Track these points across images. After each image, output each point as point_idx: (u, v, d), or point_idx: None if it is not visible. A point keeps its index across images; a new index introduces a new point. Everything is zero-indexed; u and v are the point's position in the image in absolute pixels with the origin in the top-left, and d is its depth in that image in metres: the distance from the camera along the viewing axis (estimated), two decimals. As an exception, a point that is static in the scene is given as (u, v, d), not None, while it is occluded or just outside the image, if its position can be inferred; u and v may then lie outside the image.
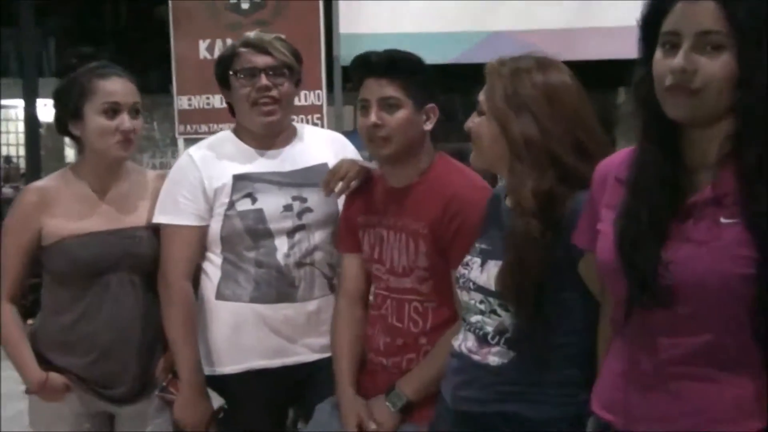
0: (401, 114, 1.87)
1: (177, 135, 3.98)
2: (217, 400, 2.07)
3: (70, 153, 9.09)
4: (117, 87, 2.06)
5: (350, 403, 1.91)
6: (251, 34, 2.11)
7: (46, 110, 6.36)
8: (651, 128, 1.30)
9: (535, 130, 1.53)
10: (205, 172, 2.06)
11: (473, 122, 1.65)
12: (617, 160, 1.41)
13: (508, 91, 1.57)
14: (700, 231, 1.23)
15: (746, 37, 1.18)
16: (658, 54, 1.25)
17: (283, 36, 2.17)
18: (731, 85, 1.20)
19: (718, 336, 1.22)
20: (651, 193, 1.28)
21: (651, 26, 1.28)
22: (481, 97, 1.63)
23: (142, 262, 2.08)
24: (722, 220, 1.22)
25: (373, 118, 1.86)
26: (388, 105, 1.86)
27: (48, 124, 8.01)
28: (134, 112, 2.07)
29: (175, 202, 2.06)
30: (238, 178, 2.06)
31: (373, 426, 1.86)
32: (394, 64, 1.88)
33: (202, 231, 2.07)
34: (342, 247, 2.07)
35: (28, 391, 2.09)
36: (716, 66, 1.20)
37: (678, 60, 1.21)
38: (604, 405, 1.37)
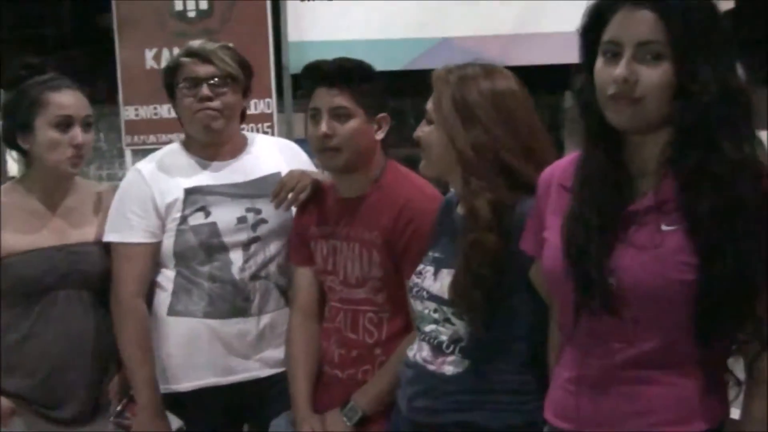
0: (352, 124, 1.86)
1: (124, 146, 3.91)
2: (175, 422, 2.02)
3: (13, 167, 8.85)
4: (70, 100, 2.01)
5: (306, 420, 1.89)
6: (195, 44, 2.08)
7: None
8: (594, 135, 1.32)
9: (484, 137, 1.54)
10: (155, 187, 2.02)
11: (422, 131, 1.64)
12: (561, 167, 1.42)
13: (456, 99, 1.57)
14: (642, 238, 1.25)
15: (683, 47, 1.21)
16: (600, 63, 1.27)
17: (230, 45, 2.14)
18: (670, 94, 1.23)
19: (663, 340, 1.25)
20: (597, 199, 1.30)
21: (591, 34, 1.30)
22: (429, 105, 1.63)
23: (91, 278, 2.03)
24: (663, 227, 1.24)
25: (323, 128, 1.84)
26: (339, 115, 1.85)
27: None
28: (86, 125, 2.03)
29: (125, 220, 2.02)
30: (190, 192, 2.03)
31: None
32: (345, 73, 1.87)
33: (155, 248, 2.03)
34: (294, 260, 2.04)
35: None
36: (656, 75, 1.22)
37: (620, 70, 1.23)
38: (556, 412, 1.38)
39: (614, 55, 1.25)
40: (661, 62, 1.22)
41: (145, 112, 3.80)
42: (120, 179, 2.20)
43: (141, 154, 3.94)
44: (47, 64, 2.10)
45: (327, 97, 1.85)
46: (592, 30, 1.29)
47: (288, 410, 1.96)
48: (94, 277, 2.03)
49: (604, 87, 1.26)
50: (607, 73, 1.25)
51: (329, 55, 1.94)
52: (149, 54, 3.76)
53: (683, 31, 1.21)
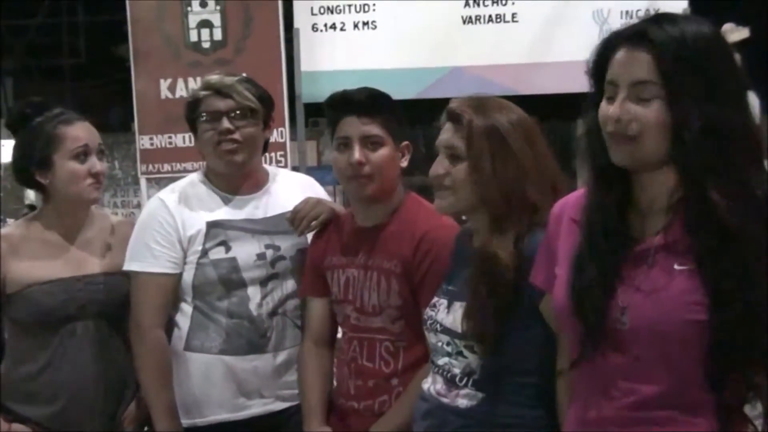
0: (383, 152, 1.87)
1: (139, 174, 3.95)
2: None
3: (30, 194, 8.94)
4: (83, 131, 2.06)
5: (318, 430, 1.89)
6: (213, 78, 2.08)
7: (5, 151, 6.26)
8: (598, 173, 1.34)
9: (515, 172, 1.52)
10: (178, 218, 2.03)
11: (444, 168, 1.60)
12: (572, 201, 1.43)
13: (489, 131, 1.56)
14: (653, 277, 1.25)
15: (673, 87, 1.22)
16: (603, 102, 1.29)
17: (248, 78, 2.14)
18: (667, 133, 1.23)
19: (675, 382, 1.24)
20: (598, 240, 1.30)
21: (598, 74, 1.32)
22: (448, 140, 1.60)
23: (108, 309, 2.05)
24: (675, 266, 1.24)
25: (357, 155, 1.84)
26: (371, 143, 1.86)
27: (6, 165, 7.89)
28: (100, 153, 2.08)
29: (148, 249, 2.02)
30: (212, 225, 2.04)
31: None
32: (376, 102, 1.88)
33: (176, 279, 2.03)
34: (308, 291, 2.04)
35: None
36: (650, 114, 1.23)
37: (614, 109, 1.25)
38: None
39: (613, 96, 1.27)
40: (653, 102, 1.23)
41: (160, 141, 3.85)
42: (134, 207, 2.23)
43: (155, 182, 3.98)
44: (58, 95, 2.15)
45: (358, 126, 1.85)
46: (599, 69, 1.31)
47: None
48: (112, 308, 2.05)
49: (604, 126, 1.28)
50: (605, 111, 1.27)
51: (341, 85, 1.96)
52: (164, 84, 3.81)
53: (674, 71, 1.22)
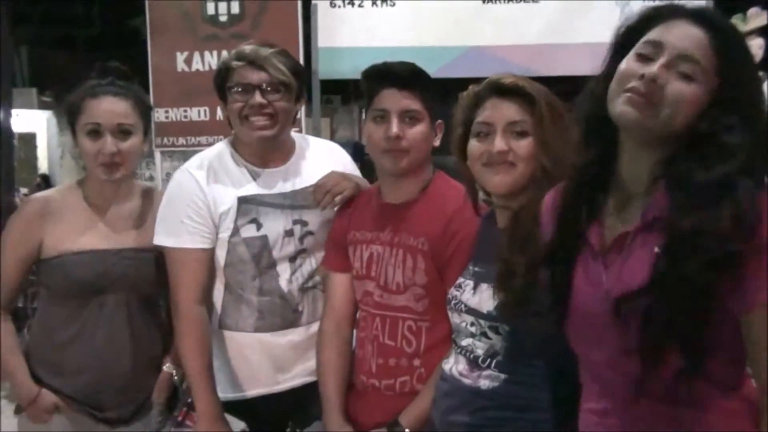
0: (420, 128, 1.85)
1: (154, 148, 3.95)
2: (237, 425, 2.03)
3: (44, 163, 8.97)
4: (102, 108, 2.00)
5: (338, 430, 1.89)
6: (247, 48, 2.01)
7: (18, 120, 6.28)
8: (589, 138, 1.32)
9: (568, 146, 1.48)
10: (209, 194, 1.99)
11: (507, 144, 1.57)
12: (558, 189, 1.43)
13: (552, 106, 1.55)
14: (633, 263, 1.25)
15: (728, 72, 1.22)
16: (630, 58, 1.26)
17: (283, 49, 2.05)
18: (689, 113, 1.22)
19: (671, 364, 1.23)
20: (566, 217, 1.31)
21: (630, 37, 1.29)
22: (520, 116, 1.57)
23: (142, 284, 2.04)
24: (656, 249, 1.22)
25: (395, 128, 1.82)
26: (410, 117, 1.83)
27: (21, 135, 7.91)
28: (122, 133, 2.01)
29: (182, 225, 1.98)
30: (243, 201, 2.00)
31: None
32: (418, 77, 1.85)
33: (211, 254, 2.00)
34: (330, 265, 2.03)
35: (17, 411, 2.04)
36: (685, 90, 1.21)
37: (654, 69, 1.21)
38: None
39: (648, 57, 1.24)
40: (692, 81, 1.22)
41: (175, 114, 3.84)
42: (147, 179, 2.21)
43: (170, 155, 3.99)
44: (115, 68, 2.09)
45: (398, 99, 1.83)
46: (634, 32, 1.29)
47: (320, 419, 1.96)
48: (145, 283, 2.04)
49: (626, 79, 1.24)
50: (635, 67, 1.24)
51: (358, 62, 1.94)
52: (180, 57, 3.79)
53: (730, 54, 1.22)
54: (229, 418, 2.02)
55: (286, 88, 1.99)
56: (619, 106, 1.24)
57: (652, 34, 1.25)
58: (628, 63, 1.25)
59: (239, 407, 2.06)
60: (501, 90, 1.59)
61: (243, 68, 1.98)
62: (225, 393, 2.05)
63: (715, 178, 1.18)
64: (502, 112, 1.58)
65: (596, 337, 1.29)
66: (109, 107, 2.01)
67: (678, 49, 1.22)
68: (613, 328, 1.25)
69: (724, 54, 1.22)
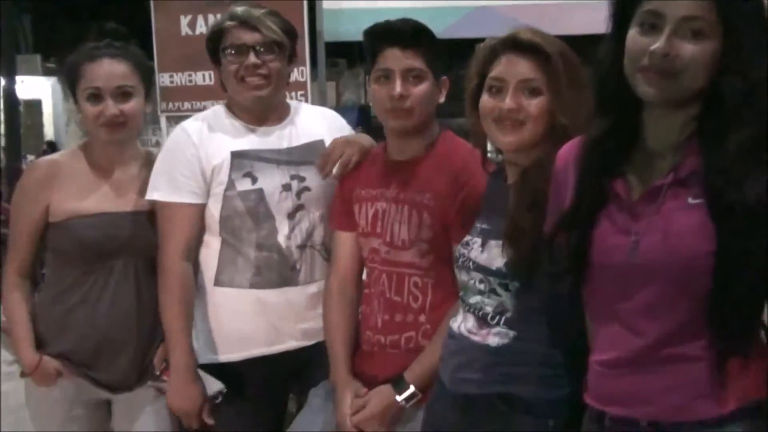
0: (424, 86, 1.83)
1: (159, 112, 3.94)
2: (215, 385, 2.03)
3: (50, 130, 8.97)
4: (101, 71, 2.00)
5: (347, 385, 1.90)
6: (239, 9, 2.02)
7: (23, 87, 6.26)
8: (606, 105, 1.32)
9: (587, 102, 1.46)
10: (201, 148, 2.00)
11: (517, 102, 1.54)
12: (577, 145, 1.41)
13: (568, 63, 1.53)
14: (665, 212, 1.25)
15: (735, 25, 1.20)
16: (634, 31, 1.25)
17: (274, 10, 2.07)
18: (708, 72, 1.21)
19: (688, 315, 1.24)
20: (589, 172, 1.31)
21: (627, 3, 1.28)
22: (533, 74, 1.54)
23: (148, 247, 2.04)
24: (690, 200, 1.24)
25: (398, 88, 1.80)
26: (413, 76, 1.82)
27: (26, 101, 7.91)
28: (122, 95, 2.00)
29: (172, 179, 1.99)
30: (237, 155, 2.01)
31: (367, 411, 1.84)
32: (420, 35, 1.83)
33: (200, 209, 2.01)
34: (336, 224, 2.03)
35: (23, 374, 2.07)
36: (697, 52, 1.21)
37: (660, 44, 1.21)
38: (594, 395, 1.38)
39: (652, 27, 1.23)
40: (703, 39, 1.21)
41: (180, 78, 3.82)
42: (153, 145, 2.21)
43: (175, 120, 3.97)
44: (113, 30, 2.08)
45: (401, 59, 1.81)
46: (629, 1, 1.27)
47: (327, 379, 1.97)
48: (152, 246, 2.03)
49: (637, 57, 1.24)
50: (642, 42, 1.23)
51: (363, 24, 1.91)
52: (184, 21, 3.77)
53: (735, 10, 1.20)
54: (207, 378, 2.02)
55: (279, 48, 2.01)
56: (640, 87, 1.25)
57: (653, 3, 1.24)
58: (634, 39, 1.25)
59: (230, 371, 2.05)
60: (517, 45, 1.55)
61: (236, 29, 1.99)
62: (218, 354, 2.05)
63: (750, 135, 1.19)
64: (516, 68, 1.55)
65: (620, 286, 1.29)
66: (108, 70, 2.01)
67: (680, 13, 1.21)
68: (642, 277, 1.26)
69: (727, 4, 1.20)
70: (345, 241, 2.00)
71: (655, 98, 1.25)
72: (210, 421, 2.03)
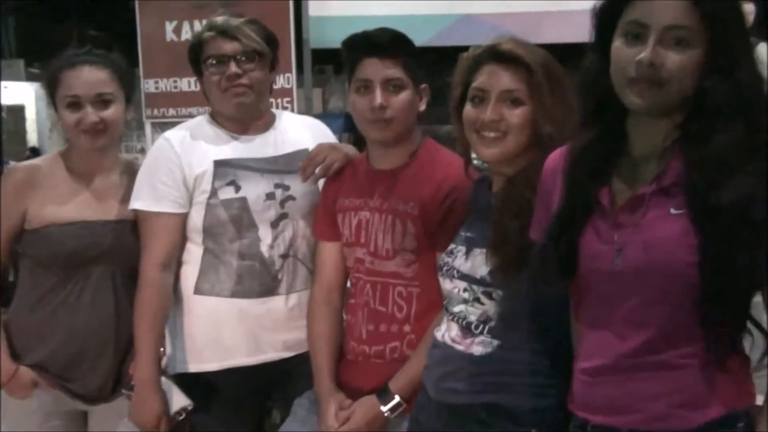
0: (404, 95, 1.83)
1: (144, 119, 3.92)
2: (182, 401, 1.99)
3: (32, 137, 8.90)
4: (79, 79, 1.99)
5: (331, 396, 1.88)
6: (218, 19, 2.02)
7: (6, 92, 6.21)
8: (592, 114, 1.32)
9: (569, 117, 1.48)
10: (184, 157, 1.99)
11: (499, 113, 1.54)
12: (564, 153, 1.41)
13: (549, 72, 1.53)
14: (648, 221, 1.26)
15: (719, 33, 1.21)
16: (620, 42, 1.26)
17: (253, 18, 2.08)
18: (694, 79, 1.23)
19: (670, 323, 1.25)
20: (576, 181, 1.32)
21: (609, 14, 1.28)
22: (514, 84, 1.54)
23: (127, 256, 2.02)
24: (672, 210, 1.25)
25: (378, 98, 1.80)
26: (393, 86, 1.82)
27: (8, 107, 7.85)
28: (102, 102, 1.99)
29: (153, 188, 1.99)
30: (220, 164, 2.01)
31: (351, 422, 1.82)
32: (398, 44, 1.83)
33: (182, 219, 2.00)
34: (320, 234, 2.02)
35: None
36: (683, 60, 1.22)
37: (646, 54, 1.22)
38: (577, 403, 1.39)
39: (636, 37, 1.24)
40: (688, 47, 1.22)
41: (165, 85, 3.80)
42: (138, 152, 2.20)
43: (160, 126, 3.95)
44: (94, 37, 2.07)
45: (380, 68, 1.81)
46: (611, 9, 1.28)
47: (311, 389, 1.95)
48: (131, 255, 2.02)
49: (624, 69, 1.25)
50: (629, 54, 1.24)
51: (349, 31, 1.91)
52: (169, 27, 3.76)
53: (718, 17, 1.21)
54: (175, 392, 1.99)
55: (260, 56, 2.01)
56: (628, 98, 1.25)
57: (633, 13, 1.25)
58: (620, 50, 1.26)
59: (209, 381, 2.03)
60: (498, 56, 1.56)
61: (215, 39, 1.99)
62: (196, 363, 2.03)
63: (731, 141, 1.20)
64: (498, 79, 1.56)
65: (604, 294, 1.30)
66: (87, 77, 2.00)
67: (664, 22, 1.22)
68: (625, 286, 1.27)
69: (710, 12, 1.21)
70: (329, 250, 2.00)
71: (643, 108, 1.26)
72: None
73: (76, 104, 1.98)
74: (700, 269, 1.20)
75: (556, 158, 1.43)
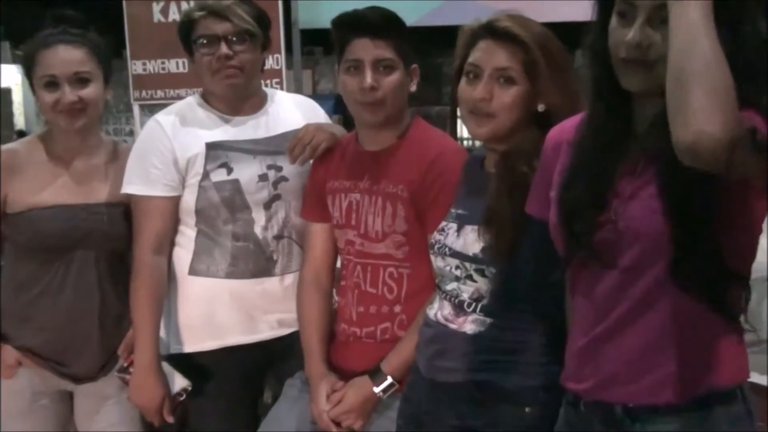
0: (395, 76, 1.81)
1: (132, 101, 3.90)
2: (181, 381, 2.00)
3: (20, 120, 8.84)
4: (55, 58, 1.96)
5: (321, 380, 1.88)
6: None
7: (-7, 76, 6.15)
8: (601, 92, 1.31)
9: (565, 95, 1.47)
10: (175, 140, 1.98)
11: (488, 92, 1.53)
12: (570, 126, 1.41)
13: (546, 50, 1.51)
14: (636, 190, 1.26)
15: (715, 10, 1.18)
16: (614, 22, 1.25)
17: None
18: None
19: (652, 294, 1.25)
20: (591, 158, 1.30)
21: None
22: (508, 63, 1.53)
23: (110, 240, 2.01)
24: (656, 183, 1.24)
25: (369, 79, 1.78)
26: (384, 66, 1.80)
27: (-4, 90, 7.79)
28: (80, 81, 1.96)
29: (145, 172, 1.98)
30: (211, 147, 1.99)
31: (344, 404, 1.83)
32: (389, 24, 1.81)
33: (174, 202, 2.00)
34: (309, 216, 2.01)
35: None
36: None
37: (633, 35, 1.21)
38: (569, 375, 1.39)
39: (626, 16, 1.23)
40: None
41: (153, 66, 3.78)
42: (127, 134, 2.18)
43: (149, 108, 3.93)
44: (70, 17, 2.04)
45: (371, 48, 1.79)
46: None
47: (303, 369, 1.95)
48: (113, 239, 2.01)
49: (617, 49, 1.24)
50: (620, 34, 1.23)
51: (339, 11, 1.88)
52: (156, 7, 3.72)
53: None
54: (173, 373, 2.00)
55: (251, 36, 1.98)
56: (623, 79, 1.25)
57: None
58: (613, 29, 1.25)
59: (203, 362, 2.03)
60: (494, 32, 1.54)
61: (206, 19, 1.96)
62: (192, 343, 2.04)
63: None
64: (492, 56, 1.54)
65: (597, 268, 1.30)
66: (64, 56, 1.96)
67: (652, 2, 1.20)
68: (615, 256, 1.27)
69: None
70: (318, 232, 1.99)
71: (634, 88, 1.25)
72: (170, 419, 2.01)
73: (53, 84, 1.95)
74: (671, 236, 1.21)
75: (557, 133, 1.42)
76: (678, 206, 1.20)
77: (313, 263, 2.00)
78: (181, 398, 2.01)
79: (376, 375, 1.82)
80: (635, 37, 1.21)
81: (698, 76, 1.06)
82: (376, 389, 1.82)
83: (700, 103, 1.05)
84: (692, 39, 1.08)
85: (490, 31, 1.55)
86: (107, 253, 2.03)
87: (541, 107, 1.52)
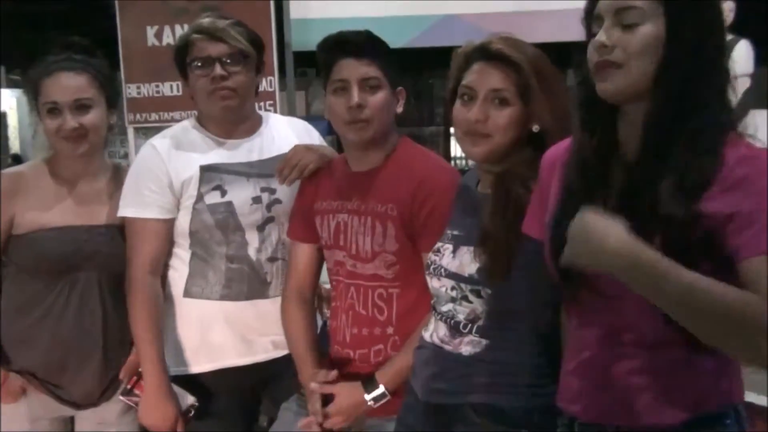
0: (381, 95, 1.83)
1: (127, 124, 3.91)
2: (187, 398, 2.01)
3: (14, 144, 8.84)
4: (57, 86, 1.99)
5: (317, 375, 1.87)
6: (204, 21, 2.01)
7: (-12, 100, 6.15)
8: (585, 113, 1.32)
9: (560, 120, 1.48)
10: (170, 163, 2.00)
11: (484, 113, 1.54)
12: (563, 148, 1.41)
13: (539, 72, 1.52)
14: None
15: (673, 9, 1.20)
16: (592, 36, 1.27)
17: (239, 21, 2.06)
18: (655, 55, 1.21)
19: (641, 317, 1.25)
20: (579, 191, 1.30)
21: (590, 9, 1.29)
22: (502, 84, 1.54)
23: (113, 261, 2.02)
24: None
25: (356, 98, 1.80)
26: (369, 86, 1.81)
27: (-9, 114, 7.80)
28: (80, 108, 1.99)
29: (139, 195, 1.99)
30: (206, 170, 2.01)
31: (333, 406, 1.83)
32: (374, 44, 1.83)
33: (169, 225, 2.01)
34: (294, 235, 2.02)
35: None
36: (634, 40, 1.21)
37: (598, 37, 1.23)
38: (564, 396, 1.39)
39: (597, 24, 1.25)
40: (639, 27, 1.21)
41: (148, 90, 3.79)
42: (121, 157, 2.19)
43: (143, 132, 3.94)
44: (75, 43, 2.06)
45: (357, 68, 1.81)
46: (590, 5, 1.29)
47: (299, 391, 1.95)
48: (117, 260, 2.01)
49: (591, 58, 1.25)
50: (593, 43, 1.25)
51: (332, 33, 1.92)
52: (151, 31, 3.75)
53: None
54: (179, 391, 2.01)
55: (245, 58, 2.00)
56: (597, 86, 1.25)
57: (598, 2, 1.25)
58: (590, 44, 1.26)
59: (200, 382, 2.04)
60: (487, 54, 1.56)
61: (201, 41, 1.98)
62: (185, 366, 2.04)
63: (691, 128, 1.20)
64: (486, 78, 1.56)
65: (596, 285, 1.29)
66: (65, 83, 1.99)
67: (613, 6, 1.22)
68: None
69: None
70: (302, 251, 2.00)
71: (609, 94, 1.25)
72: None
73: (55, 110, 1.98)
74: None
75: (553, 153, 1.43)
76: (664, 244, 1.19)
77: (296, 280, 2.00)
78: (190, 415, 2.01)
79: (369, 383, 1.82)
80: (600, 37, 1.22)
81: (700, 313, 1.12)
82: (368, 397, 1.81)
83: (727, 335, 1.12)
84: (653, 281, 1.12)
85: (484, 53, 1.56)
86: (110, 275, 2.03)
87: (535, 128, 1.54)
